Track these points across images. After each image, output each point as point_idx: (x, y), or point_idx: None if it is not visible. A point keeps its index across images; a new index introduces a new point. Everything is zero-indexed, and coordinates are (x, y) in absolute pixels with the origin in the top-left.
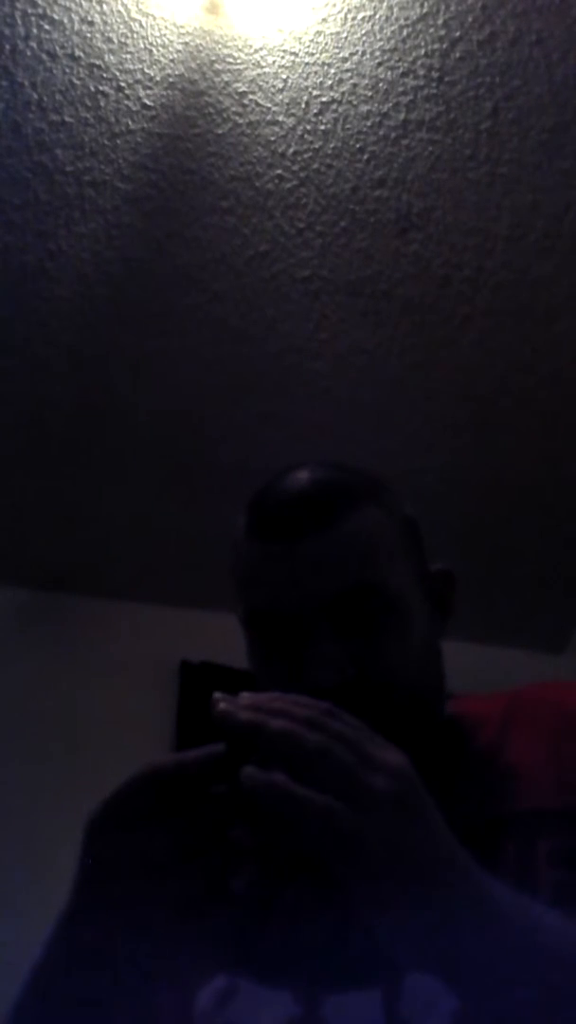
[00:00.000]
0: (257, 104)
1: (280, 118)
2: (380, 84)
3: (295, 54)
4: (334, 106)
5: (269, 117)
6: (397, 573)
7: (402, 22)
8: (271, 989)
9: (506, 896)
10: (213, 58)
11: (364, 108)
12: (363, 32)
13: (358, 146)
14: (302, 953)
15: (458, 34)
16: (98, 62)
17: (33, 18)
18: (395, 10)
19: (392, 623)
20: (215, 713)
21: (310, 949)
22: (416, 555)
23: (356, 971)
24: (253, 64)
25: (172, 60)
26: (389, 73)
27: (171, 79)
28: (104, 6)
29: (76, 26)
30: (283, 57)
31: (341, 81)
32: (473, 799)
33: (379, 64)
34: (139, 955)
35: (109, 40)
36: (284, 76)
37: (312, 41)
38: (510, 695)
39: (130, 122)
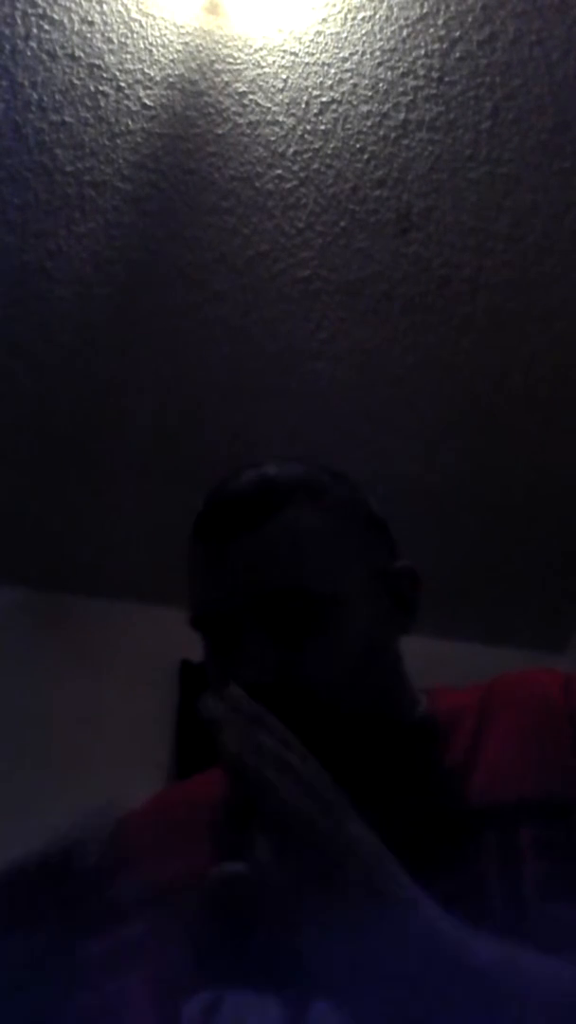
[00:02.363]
0: (257, 104)
1: (280, 118)
2: (380, 84)
3: (295, 54)
4: (334, 106)
5: (269, 117)
6: (331, 574)
7: (402, 22)
8: (259, 996)
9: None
10: (213, 58)
11: (364, 108)
12: (363, 32)
13: (358, 146)
14: (291, 958)
15: (458, 34)
16: (98, 62)
17: (33, 18)
18: (395, 10)
19: (319, 626)
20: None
21: (298, 954)
22: (374, 553)
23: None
24: (253, 64)
25: (172, 60)
26: (389, 73)
27: (171, 79)
28: (104, 6)
29: (76, 26)
30: (283, 57)
31: (341, 81)
32: (450, 793)
33: (379, 64)
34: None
35: (109, 40)
36: (284, 76)
37: (312, 41)
38: (485, 686)
39: (130, 122)
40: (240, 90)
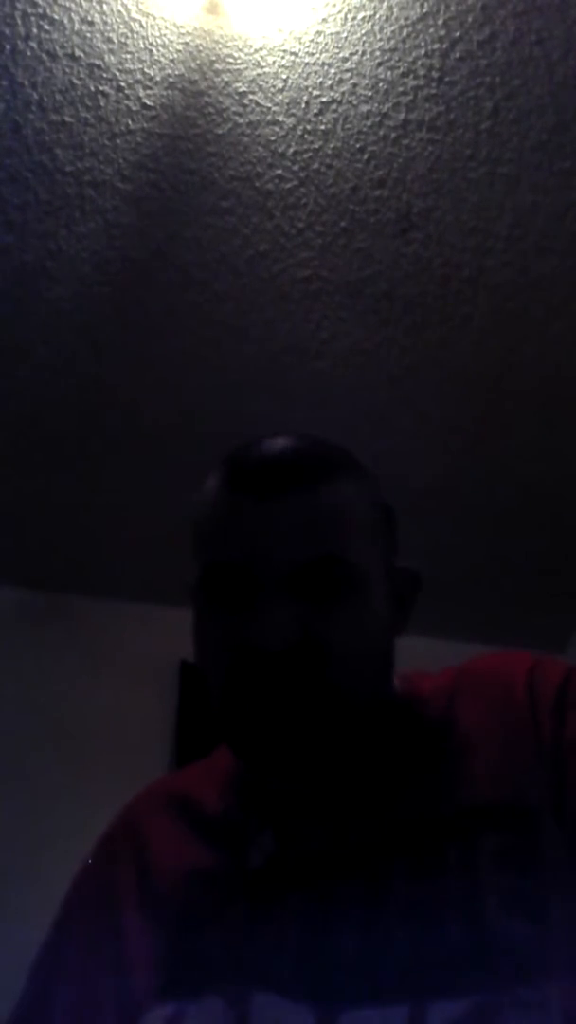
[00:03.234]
0: (257, 104)
1: (280, 118)
2: (380, 84)
3: (295, 54)
4: (334, 106)
5: (269, 117)
6: (364, 552)
7: (402, 22)
8: (290, 1002)
9: None
10: (213, 58)
11: (364, 108)
12: (363, 32)
13: (358, 146)
14: (322, 964)
15: (458, 34)
16: (98, 62)
17: (33, 18)
18: (395, 10)
19: (349, 599)
20: None
21: (331, 960)
22: (385, 543)
23: (378, 986)
24: (253, 64)
25: (172, 60)
26: (389, 73)
27: (171, 79)
28: (104, 6)
29: (76, 26)
30: (283, 57)
31: (341, 81)
32: (418, 796)
33: (379, 64)
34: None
35: (109, 40)
36: (284, 76)
37: (312, 41)
38: (454, 673)
39: (130, 122)
40: (240, 90)
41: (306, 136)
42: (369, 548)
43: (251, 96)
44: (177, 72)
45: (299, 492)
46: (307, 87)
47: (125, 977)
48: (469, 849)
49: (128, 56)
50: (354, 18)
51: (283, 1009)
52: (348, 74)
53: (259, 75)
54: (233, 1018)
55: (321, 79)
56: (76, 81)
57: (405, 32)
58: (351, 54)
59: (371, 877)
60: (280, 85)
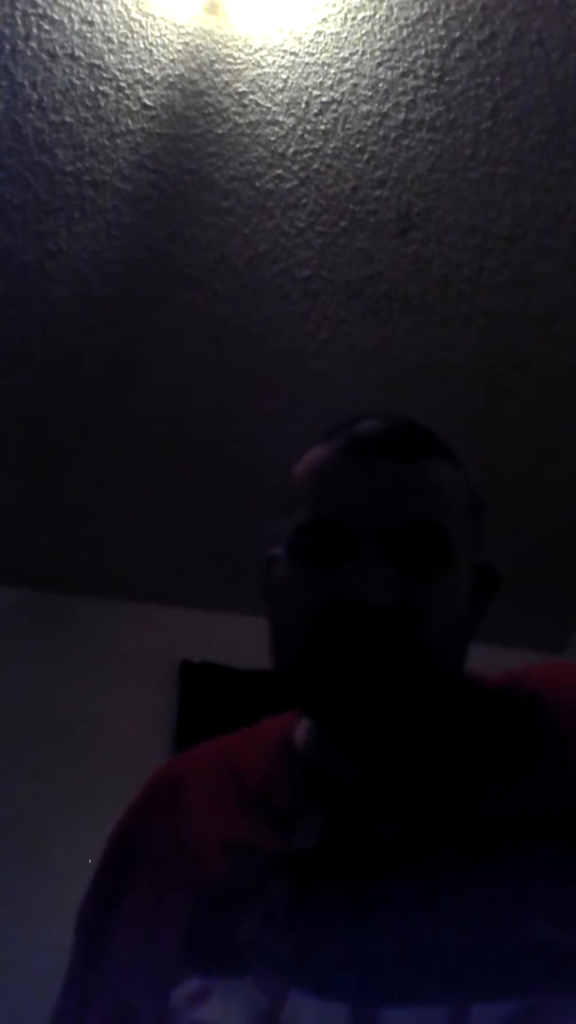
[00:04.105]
0: (257, 104)
1: (280, 118)
2: (380, 84)
3: (295, 54)
4: (334, 106)
5: (269, 117)
6: (458, 532)
7: (402, 22)
8: (326, 1001)
9: None
10: (213, 58)
11: (364, 108)
12: (363, 32)
13: (358, 146)
14: (363, 959)
15: (458, 34)
16: (98, 62)
17: (33, 18)
18: (395, 10)
19: (442, 571)
20: None
21: (372, 956)
22: (473, 535)
23: (419, 986)
24: (253, 64)
25: (172, 60)
26: (389, 73)
27: (171, 79)
28: (104, 6)
29: (76, 26)
30: (283, 57)
31: (341, 81)
32: (480, 794)
33: (379, 64)
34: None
35: (109, 40)
36: (284, 76)
37: (312, 41)
38: (519, 674)
39: (130, 122)
40: (240, 90)
41: (306, 136)
42: (461, 530)
43: (251, 96)
44: (177, 72)
45: (408, 460)
46: (307, 87)
47: (156, 936)
48: (527, 855)
49: (128, 56)
50: (354, 18)
51: (319, 1009)
52: (348, 74)
53: (259, 75)
54: (264, 1009)
55: (321, 79)
56: (76, 81)
57: (405, 32)
58: (351, 54)
59: (421, 873)
60: (280, 85)
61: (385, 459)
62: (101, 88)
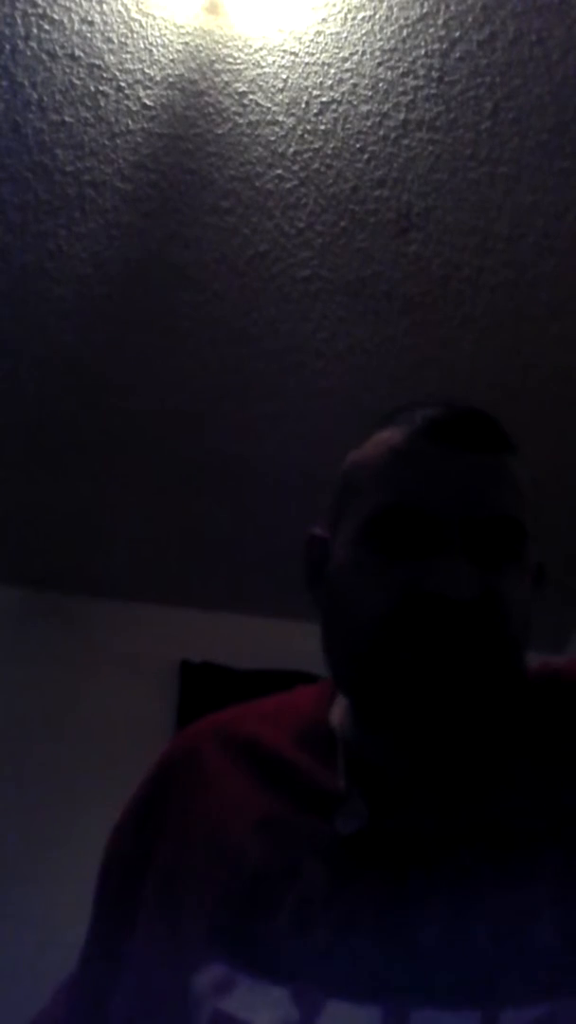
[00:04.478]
0: (257, 104)
1: (280, 118)
2: (380, 84)
3: (295, 54)
4: (334, 106)
5: (269, 117)
6: (528, 528)
7: (402, 22)
8: (359, 1006)
9: None
10: (213, 58)
11: (364, 108)
12: (363, 32)
13: (358, 146)
14: (398, 957)
15: (458, 34)
16: (98, 62)
17: (33, 18)
18: (395, 10)
19: (517, 566)
20: None
21: (408, 954)
22: (533, 530)
23: (452, 988)
24: (253, 64)
25: (172, 60)
26: (389, 73)
27: (171, 79)
28: (104, 6)
29: (76, 26)
30: (283, 57)
31: (341, 81)
32: (518, 792)
33: (379, 64)
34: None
35: (109, 40)
36: (284, 76)
37: (312, 41)
38: (559, 670)
39: (130, 122)
40: (240, 90)
41: (306, 136)
42: (529, 526)
43: (251, 96)
44: (177, 72)
45: (490, 452)
46: (307, 87)
47: (181, 916)
48: (568, 865)
49: (128, 56)
50: (354, 18)
51: (352, 1014)
52: (348, 74)
53: (259, 75)
54: (295, 1021)
55: (321, 79)
56: (76, 81)
57: (405, 32)
58: (351, 54)
59: (460, 870)
60: (280, 85)
61: (467, 449)
62: (101, 88)
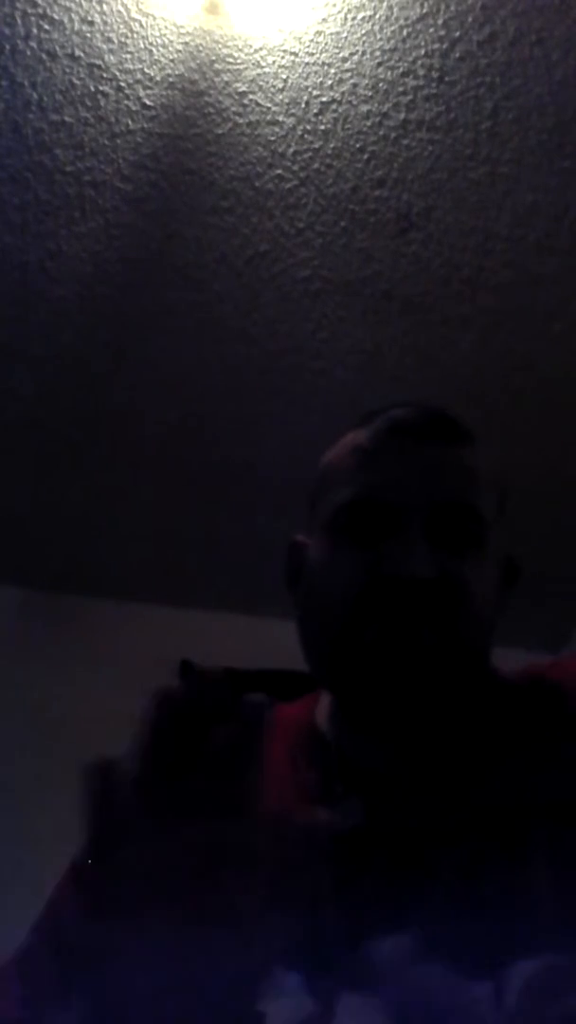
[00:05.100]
0: (257, 104)
1: (280, 118)
2: (380, 84)
3: (295, 54)
4: (334, 106)
5: (269, 117)
6: (489, 517)
7: (402, 22)
8: (372, 993)
9: None
10: (213, 58)
11: (364, 108)
12: (363, 32)
13: (358, 146)
14: (404, 952)
15: (458, 34)
16: (98, 62)
17: (33, 18)
18: (395, 10)
19: (477, 551)
20: None
21: (414, 946)
22: (499, 523)
23: (459, 958)
24: (253, 64)
25: (172, 60)
26: (389, 73)
27: (171, 79)
28: (104, 6)
29: (76, 26)
30: (283, 57)
31: (341, 81)
32: (505, 778)
33: (379, 64)
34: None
35: (109, 40)
36: (284, 76)
37: (312, 41)
38: (543, 667)
39: (130, 122)
40: (240, 90)
41: (306, 136)
42: (492, 517)
43: (251, 96)
44: (177, 72)
45: (450, 444)
46: (307, 87)
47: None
48: (556, 840)
49: (128, 56)
50: (354, 18)
51: (367, 1003)
52: (348, 74)
53: (259, 75)
54: (313, 1012)
55: (321, 79)
56: (76, 81)
57: (405, 32)
58: (351, 54)
59: (456, 859)
60: (280, 85)
61: (428, 441)
62: (101, 88)
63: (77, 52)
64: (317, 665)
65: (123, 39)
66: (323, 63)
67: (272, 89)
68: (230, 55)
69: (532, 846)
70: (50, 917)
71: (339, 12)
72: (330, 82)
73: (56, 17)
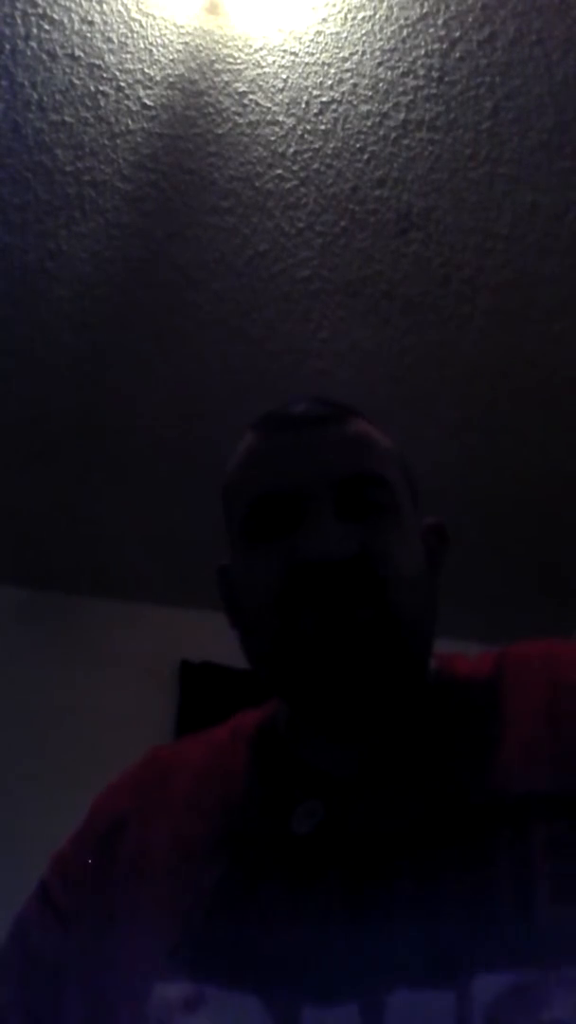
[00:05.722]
0: (257, 104)
1: (280, 118)
2: (380, 84)
3: (295, 54)
4: (334, 106)
5: (269, 117)
6: (395, 479)
7: (402, 22)
8: (335, 1004)
9: None
10: (213, 58)
11: (364, 108)
12: (363, 32)
13: (358, 146)
14: (368, 949)
15: (458, 34)
16: (98, 62)
17: (33, 18)
18: (395, 10)
19: (389, 518)
20: None
21: (375, 944)
22: (409, 488)
23: (421, 972)
24: (253, 64)
25: (172, 60)
26: (389, 73)
27: (171, 79)
28: (104, 6)
29: (76, 26)
30: (283, 57)
31: (341, 81)
32: (463, 778)
33: (379, 64)
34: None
35: (109, 40)
36: (284, 76)
37: (312, 41)
38: (498, 655)
39: (130, 122)
40: (240, 90)
41: (306, 136)
42: (397, 478)
43: (251, 96)
44: (177, 72)
45: (329, 423)
46: (307, 87)
47: (141, 931)
48: (521, 836)
49: (128, 56)
50: (354, 18)
51: (330, 1015)
52: (348, 74)
53: (259, 75)
54: (271, 1022)
55: (321, 79)
56: (76, 81)
57: (405, 32)
58: (351, 54)
59: (419, 860)
60: (280, 85)
61: (310, 425)
62: (101, 88)
63: (77, 52)
64: (262, 669)
65: (123, 39)
66: (323, 63)
67: (272, 89)
68: (230, 55)
69: (496, 849)
70: (19, 934)
71: (339, 12)
72: (330, 82)
73: (56, 17)
